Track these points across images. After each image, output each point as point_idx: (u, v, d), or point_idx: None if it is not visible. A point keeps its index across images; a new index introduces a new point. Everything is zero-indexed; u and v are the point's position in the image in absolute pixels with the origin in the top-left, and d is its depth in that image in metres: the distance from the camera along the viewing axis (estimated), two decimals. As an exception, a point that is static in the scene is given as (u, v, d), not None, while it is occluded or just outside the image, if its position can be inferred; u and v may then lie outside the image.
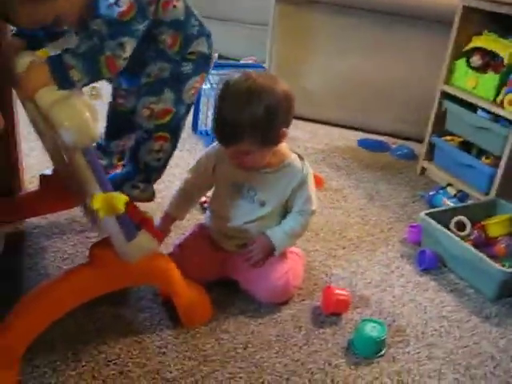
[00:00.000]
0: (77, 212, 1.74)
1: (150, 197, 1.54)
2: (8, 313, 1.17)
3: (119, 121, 1.57)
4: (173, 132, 1.44)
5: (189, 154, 2.30)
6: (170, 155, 1.49)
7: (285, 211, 1.51)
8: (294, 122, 2.77)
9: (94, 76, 1.16)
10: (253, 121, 1.29)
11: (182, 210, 1.53)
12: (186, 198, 1.52)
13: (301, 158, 1.49)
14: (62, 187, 1.49)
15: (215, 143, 1.46)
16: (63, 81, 1.09)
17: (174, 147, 1.48)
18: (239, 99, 1.30)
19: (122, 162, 1.57)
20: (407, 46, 2.56)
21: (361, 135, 2.72)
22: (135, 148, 1.45)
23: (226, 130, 1.32)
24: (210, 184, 1.53)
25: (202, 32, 1.38)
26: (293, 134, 2.64)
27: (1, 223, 1.64)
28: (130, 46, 1.17)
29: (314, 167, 2.31)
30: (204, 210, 1.82)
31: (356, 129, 2.77)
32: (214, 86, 2.42)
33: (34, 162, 2.03)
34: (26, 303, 1.18)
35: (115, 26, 1.15)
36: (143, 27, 1.20)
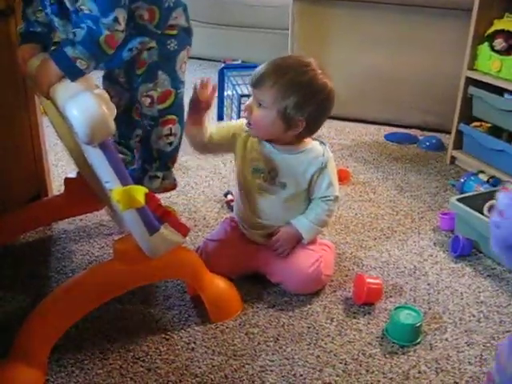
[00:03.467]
0: (103, 216, 1.75)
1: (173, 184, 1.52)
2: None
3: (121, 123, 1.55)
4: (178, 112, 1.43)
5: (213, 156, 2.29)
6: (181, 136, 1.47)
7: (308, 198, 1.48)
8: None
9: (99, 58, 1.15)
10: (288, 82, 1.32)
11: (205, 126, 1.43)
12: (204, 134, 1.43)
13: (322, 143, 1.47)
14: (86, 189, 1.49)
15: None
16: (72, 73, 1.09)
17: (182, 127, 1.45)
18: (293, 60, 1.38)
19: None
20: (428, 35, 2.51)
21: (387, 130, 2.67)
22: (145, 138, 1.43)
23: (266, 70, 1.34)
24: (226, 147, 1.49)
25: (177, 3, 1.36)
26: (318, 132, 2.60)
27: (30, 229, 1.66)
28: (122, 17, 1.15)
29: (340, 162, 2.31)
30: (231, 208, 1.81)
31: (382, 124, 2.73)
32: (237, 87, 2.41)
33: (61, 171, 2.05)
34: (50, 302, 1.18)
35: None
36: None
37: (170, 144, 1.45)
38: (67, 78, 1.08)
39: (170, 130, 1.42)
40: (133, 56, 1.34)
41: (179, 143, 1.48)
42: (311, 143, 1.45)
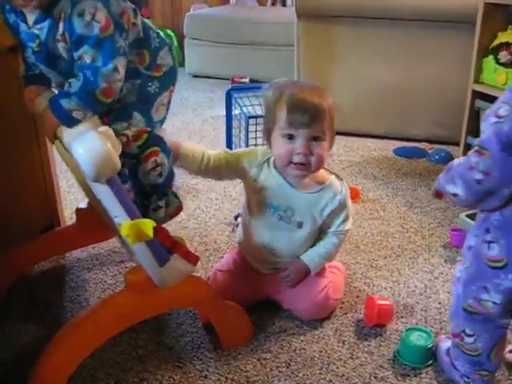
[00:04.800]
0: (115, 243, 1.77)
1: (178, 207, 1.47)
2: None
3: None
4: (157, 142, 1.34)
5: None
6: (168, 161, 1.38)
7: (319, 233, 1.47)
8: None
9: (96, 108, 1.15)
10: (329, 107, 1.33)
11: (186, 164, 1.44)
12: (199, 164, 1.44)
13: (339, 178, 1.46)
14: (98, 219, 1.51)
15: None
16: (69, 122, 1.10)
17: (168, 152, 1.37)
18: (315, 88, 1.35)
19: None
20: (433, 49, 2.52)
21: (396, 144, 2.68)
22: (133, 176, 1.37)
23: (311, 109, 1.30)
24: (231, 174, 1.48)
25: (163, 42, 1.33)
26: (327, 149, 2.63)
27: (44, 259, 1.69)
28: (121, 65, 1.15)
29: (349, 180, 2.32)
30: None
31: (391, 138, 2.74)
32: (244, 109, 2.44)
33: (73, 197, 2.09)
34: (64, 334, 1.20)
35: (101, 45, 1.11)
36: (124, 42, 1.17)
37: (160, 175, 1.37)
38: (65, 126, 1.11)
39: (156, 161, 1.34)
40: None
41: (171, 169, 1.41)
42: (329, 179, 1.43)
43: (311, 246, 1.46)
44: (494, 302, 1.08)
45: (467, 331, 1.17)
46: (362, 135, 2.78)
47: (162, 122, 1.40)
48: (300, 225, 1.42)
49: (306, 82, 1.41)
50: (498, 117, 0.97)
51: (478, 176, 0.99)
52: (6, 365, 1.32)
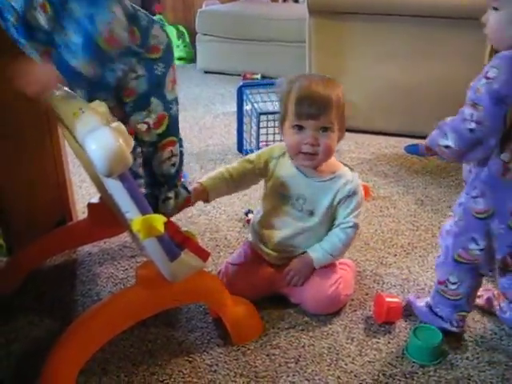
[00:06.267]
0: (127, 238, 1.79)
1: (187, 197, 1.49)
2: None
3: None
4: (175, 132, 1.40)
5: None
6: (182, 152, 1.44)
7: (332, 223, 1.49)
8: (338, 133, 2.77)
9: (102, 58, 1.16)
10: (337, 98, 1.36)
11: (217, 192, 1.51)
12: (226, 181, 1.50)
13: (351, 169, 1.49)
14: (109, 214, 1.52)
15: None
16: (75, 78, 1.14)
17: (181, 143, 1.43)
18: (324, 80, 1.39)
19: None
20: (446, 46, 2.51)
21: (408, 141, 2.66)
22: (147, 165, 1.40)
23: (317, 101, 1.35)
24: (256, 178, 1.54)
25: (152, 21, 1.32)
26: (337, 146, 2.62)
27: (56, 253, 1.71)
28: (117, 9, 1.15)
29: (361, 177, 2.29)
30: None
31: (402, 136, 2.72)
32: (255, 105, 2.44)
33: (85, 192, 2.10)
34: (75, 328, 1.21)
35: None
36: None
37: (174, 165, 1.42)
38: None
39: (171, 152, 1.40)
40: (119, 82, 1.31)
41: (182, 160, 1.46)
42: (341, 168, 1.47)
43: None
44: (480, 249, 1.26)
45: (451, 279, 1.33)
46: (374, 132, 2.77)
47: (176, 101, 1.40)
48: (311, 213, 1.46)
49: (317, 74, 1.43)
50: (488, 78, 1.14)
51: (471, 126, 1.15)
52: (18, 357, 1.34)
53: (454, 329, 1.37)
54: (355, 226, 1.46)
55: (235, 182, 1.52)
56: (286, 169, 1.47)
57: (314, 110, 1.35)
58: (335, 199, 1.44)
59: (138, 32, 1.28)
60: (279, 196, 1.48)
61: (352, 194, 1.44)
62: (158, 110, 1.34)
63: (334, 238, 1.46)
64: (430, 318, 1.40)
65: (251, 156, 1.53)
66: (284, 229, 1.48)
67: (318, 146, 1.37)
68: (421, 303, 1.45)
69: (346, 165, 1.50)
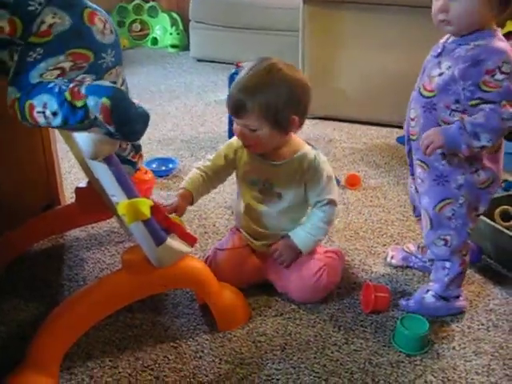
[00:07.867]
0: (114, 224, 1.77)
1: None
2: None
3: None
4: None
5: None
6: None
7: (307, 205, 1.49)
8: (331, 123, 2.76)
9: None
10: (264, 96, 1.30)
11: (200, 193, 1.48)
12: (204, 182, 1.48)
13: (314, 148, 1.46)
14: (97, 199, 1.51)
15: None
16: None
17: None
18: (256, 73, 1.32)
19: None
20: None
21: (400, 132, 2.66)
22: None
23: (238, 97, 1.32)
24: (229, 170, 1.52)
25: (46, 2, 1.04)
26: (330, 136, 2.62)
27: (43, 237, 1.69)
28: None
29: (351, 167, 2.31)
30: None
31: (395, 126, 2.72)
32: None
33: (74, 178, 2.08)
34: (61, 312, 1.20)
35: None
36: None
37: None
38: None
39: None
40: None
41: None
42: (303, 148, 1.44)
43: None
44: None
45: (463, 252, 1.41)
46: (366, 122, 2.76)
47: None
48: (279, 196, 1.45)
49: (260, 67, 1.33)
50: (504, 73, 1.17)
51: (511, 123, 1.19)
52: (4, 339, 1.33)
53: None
54: (332, 202, 1.45)
55: (212, 181, 1.50)
56: (248, 156, 1.45)
57: (232, 112, 1.36)
58: (301, 179, 1.43)
59: (19, 19, 1.03)
60: (248, 183, 1.48)
61: (317, 171, 1.42)
62: None
63: (314, 218, 1.46)
64: (444, 309, 1.43)
65: (221, 151, 1.49)
66: (258, 215, 1.48)
67: (248, 140, 1.37)
68: (429, 300, 1.43)
69: (309, 144, 1.47)
